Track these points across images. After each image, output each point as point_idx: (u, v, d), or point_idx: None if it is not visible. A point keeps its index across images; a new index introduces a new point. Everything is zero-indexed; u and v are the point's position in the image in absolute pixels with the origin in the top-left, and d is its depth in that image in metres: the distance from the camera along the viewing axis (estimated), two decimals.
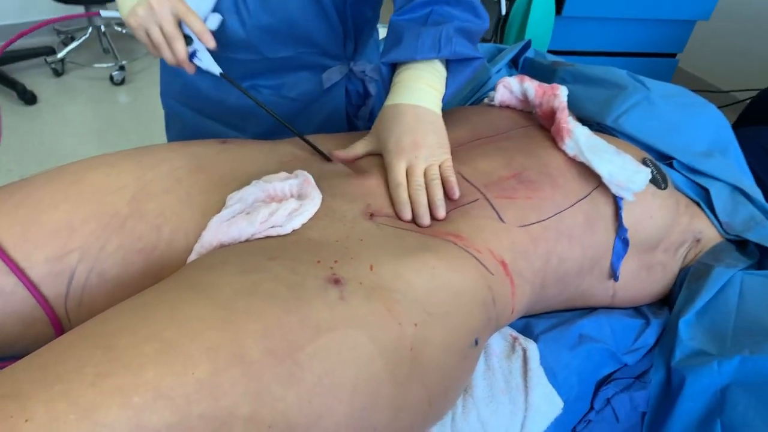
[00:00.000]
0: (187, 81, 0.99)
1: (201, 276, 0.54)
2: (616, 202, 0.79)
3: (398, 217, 0.69)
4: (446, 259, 0.63)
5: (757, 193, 0.95)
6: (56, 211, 0.63)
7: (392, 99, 0.76)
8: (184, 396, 0.45)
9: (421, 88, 0.75)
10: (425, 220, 0.68)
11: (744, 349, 0.76)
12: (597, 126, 1.04)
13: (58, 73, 2.72)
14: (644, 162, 0.84)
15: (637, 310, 0.90)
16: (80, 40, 2.81)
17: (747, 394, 0.74)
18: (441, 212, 0.69)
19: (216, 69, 0.84)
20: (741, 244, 0.93)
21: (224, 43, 0.87)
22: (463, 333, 0.63)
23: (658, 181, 0.83)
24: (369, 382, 0.54)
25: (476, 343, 0.65)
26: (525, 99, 0.88)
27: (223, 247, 0.61)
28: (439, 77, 0.76)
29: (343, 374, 0.52)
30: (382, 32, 0.95)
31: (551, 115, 0.82)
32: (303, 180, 0.64)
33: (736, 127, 1.99)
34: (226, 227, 0.61)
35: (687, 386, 0.78)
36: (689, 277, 0.88)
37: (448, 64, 0.78)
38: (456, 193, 0.72)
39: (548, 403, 0.73)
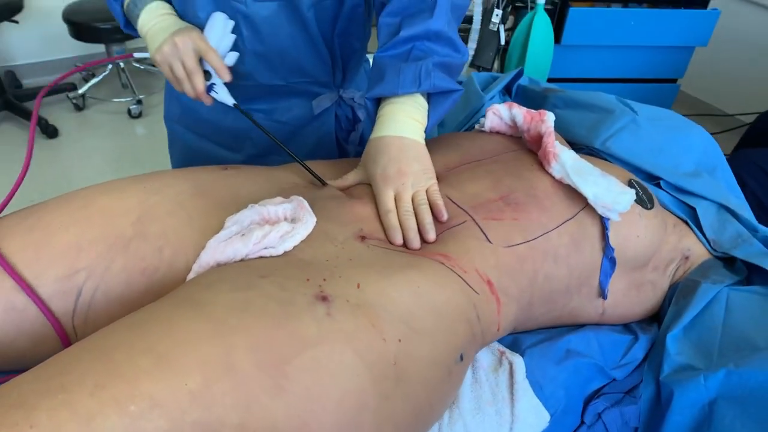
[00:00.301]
0: (187, 105, 1.06)
1: (196, 293, 0.58)
2: (603, 222, 0.82)
3: (390, 241, 0.73)
4: (431, 277, 0.66)
5: (744, 211, 0.97)
6: (66, 234, 0.68)
7: (377, 132, 0.80)
8: (177, 405, 0.48)
9: (404, 120, 0.78)
10: (415, 243, 0.72)
11: (729, 363, 0.77)
12: (586, 149, 1.08)
13: (79, 108, 2.83)
14: (630, 183, 0.87)
15: (626, 326, 0.92)
16: (101, 77, 2.94)
17: (733, 407, 0.75)
18: (431, 235, 0.73)
19: (230, 101, 0.91)
20: (729, 261, 0.95)
21: None
22: (448, 349, 0.65)
23: (644, 202, 0.86)
24: (355, 394, 0.56)
25: (461, 358, 0.68)
26: (514, 125, 0.92)
27: (219, 266, 0.65)
28: (421, 110, 0.80)
29: (330, 386, 0.55)
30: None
31: (539, 139, 0.86)
32: (297, 204, 0.68)
33: (738, 149, 2.01)
34: (222, 248, 0.65)
35: (675, 400, 0.79)
36: (678, 294, 0.90)
37: (429, 97, 0.81)
38: (444, 216, 0.75)
39: (535, 416, 0.75)
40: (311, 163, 0.86)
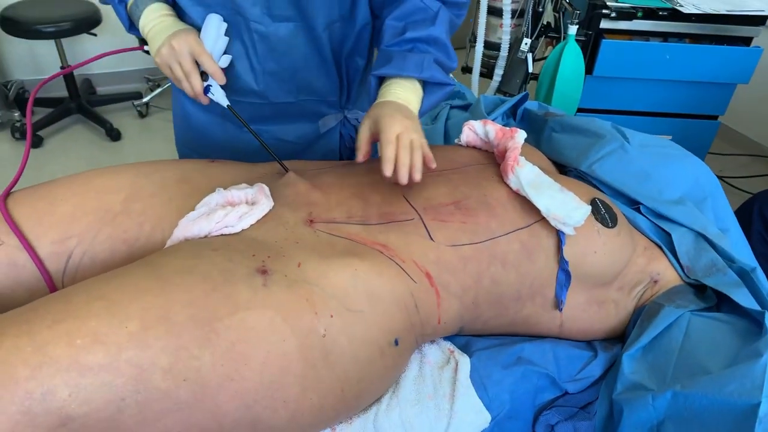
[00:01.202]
0: (198, 129, 1.13)
1: (156, 258, 0.68)
2: (559, 236, 0.85)
3: (382, 172, 0.77)
4: (370, 263, 0.72)
5: (721, 241, 0.97)
6: (66, 205, 0.79)
7: (382, 98, 0.87)
8: (116, 343, 0.57)
9: (405, 95, 0.87)
10: (403, 177, 0.77)
11: (677, 385, 0.78)
12: (575, 171, 1.11)
13: (142, 115, 3.08)
14: (592, 201, 0.90)
15: (588, 343, 0.93)
16: (164, 87, 3.18)
17: (680, 429, 0.76)
18: (418, 176, 0.78)
19: (225, 102, 0.98)
20: (701, 289, 0.95)
21: (236, 89, 1.01)
22: (381, 330, 0.71)
23: (605, 220, 0.89)
24: (279, 357, 0.63)
25: (396, 343, 0.73)
26: (488, 140, 0.97)
27: (186, 241, 0.74)
28: (417, 95, 0.88)
29: (255, 346, 0.62)
30: None
31: (506, 154, 0.91)
32: (258, 189, 0.76)
33: None
34: (190, 225, 0.74)
35: (624, 419, 0.81)
36: (642, 316, 0.91)
37: (425, 86, 0.90)
38: (433, 163, 0.81)
39: (474, 415, 0.79)
40: (306, 162, 0.95)
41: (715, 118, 2.23)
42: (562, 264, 0.85)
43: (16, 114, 2.82)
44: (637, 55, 2.03)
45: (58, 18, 2.57)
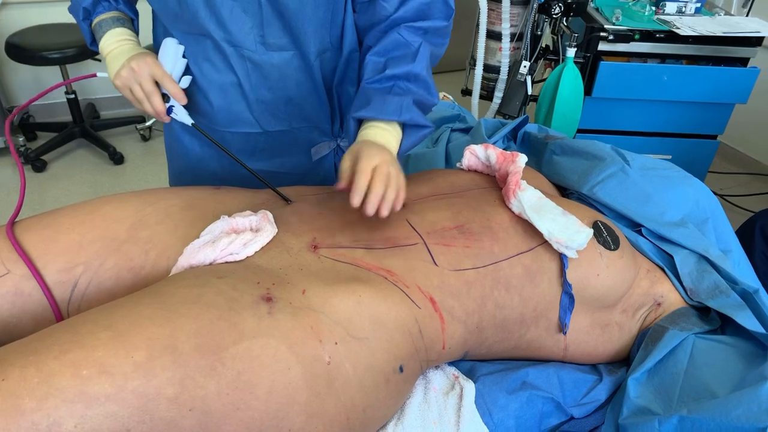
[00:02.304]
0: (195, 162, 1.13)
1: (161, 287, 0.68)
2: (562, 259, 0.86)
3: (350, 201, 0.75)
4: (374, 289, 0.73)
5: (724, 263, 0.97)
6: (72, 233, 0.79)
7: (362, 138, 0.86)
8: (122, 373, 0.57)
9: (385, 139, 0.86)
10: (370, 208, 0.75)
11: (683, 409, 0.78)
12: (576, 194, 1.12)
13: (145, 138, 3.10)
14: (594, 224, 0.90)
15: (593, 367, 0.93)
16: None
17: None
18: (385, 211, 0.77)
19: (188, 120, 0.99)
20: (704, 311, 0.95)
21: (230, 119, 1.02)
22: (386, 357, 0.71)
23: (607, 243, 0.89)
24: (285, 385, 0.63)
25: (401, 369, 0.73)
26: (489, 164, 0.98)
27: (191, 268, 0.74)
28: (396, 138, 0.88)
29: (261, 375, 0.62)
30: None
31: (507, 178, 0.91)
32: (261, 216, 0.77)
33: None
34: (195, 253, 0.74)
35: None
36: (647, 339, 0.90)
37: (404, 128, 0.90)
38: (399, 206, 0.79)
39: None
40: (297, 188, 0.96)
41: (715, 137, 2.25)
42: (566, 287, 0.85)
43: (20, 139, 2.85)
44: (635, 76, 2.05)
45: (63, 44, 2.61)
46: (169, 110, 0.98)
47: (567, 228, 0.84)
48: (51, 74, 3.02)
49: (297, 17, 0.92)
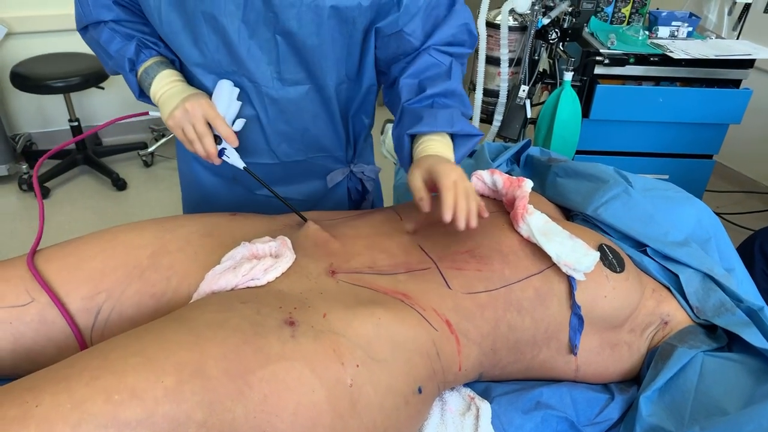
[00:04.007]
0: (208, 191, 1.15)
1: (187, 312, 0.70)
2: (570, 281, 0.88)
3: (442, 218, 0.79)
4: (392, 312, 0.75)
5: (728, 282, 0.99)
6: (94, 261, 0.81)
7: (425, 153, 0.89)
8: (153, 398, 0.59)
9: (443, 151, 0.90)
10: (462, 224, 0.79)
11: (695, 426, 0.79)
12: (581, 215, 1.14)
13: (147, 165, 3.13)
14: (600, 247, 0.93)
15: (605, 386, 0.94)
16: (168, 137, 3.24)
17: None
18: (474, 222, 0.81)
19: (241, 164, 1.00)
20: (711, 329, 0.97)
21: (248, 151, 1.04)
22: (405, 379, 0.73)
23: (613, 265, 0.91)
24: (309, 408, 0.65)
25: (420, 391, 0.74)
26: (496, 189, 1.01)
27: (214, 294, 0.76)
28: (450, 149, 0.92)
29: (286, 398, 0.64)
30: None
31: (514, 202, 0.94)
32: (281, 242, 0.79)
33: None
34: (217, 278, 0.76)
35: None
36: (656, 357, 0.92)
37: (454, 139, 0.94)
38: (486, 213, 0.83)
39: None
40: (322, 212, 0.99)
41: (710, 157, 2.29)
42: (575, 309, 0.87)
43: (24, 166, 2.87)
44: (631, 98, 2.10)
45: (67, 73, 2.65)
46: (221, 153, 0.97)
47: (574, 251, 0.87)
48: (55, 103, 3.06)
49: (314, 54, 0.93)
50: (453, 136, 0.94)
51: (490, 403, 0.84)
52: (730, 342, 0.94)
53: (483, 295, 0.82)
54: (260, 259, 0.77)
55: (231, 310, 0.69)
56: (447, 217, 0.79)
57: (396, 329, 0.74)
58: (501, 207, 1.00)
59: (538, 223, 0.90)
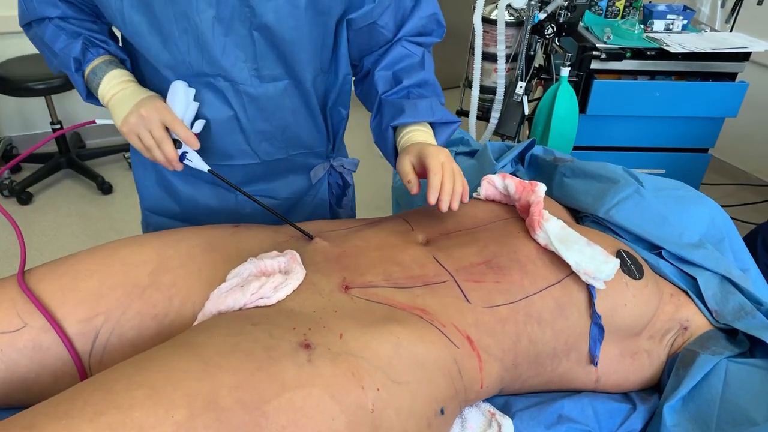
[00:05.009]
0: (189, 201, 1.08)
1: (193, 336, 0.65)
2: (589, 290, 0.85)
3: (427, 200, 0.82)
4: (411, 330, 0.71)
5: (747, 284, 0.97)
6: (90, 280, 0.76)
7: (412, 141, 0.92)
8: None
9: (428, 138, 0.93)
10: (444, 205, 0.83)
11: None
12: (592, 217, 1.11)
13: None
14: (618, 253, 0.90)
15: (625, 395, 0.91)
16: None
17: None
18: (456, 204, 0.84)
19: (204, 167, 0.94)
20: (732, 333, 0.95)
21: (227, 153, 1.00)
22: (427, 400, 0.69)
23: (632, 272, 0.88)
24: None
25: (442, 412, 0.71)
26: (507, 193, 0.97)
27: (220, 314, 0.71)
28: (432, 136, 0.95)
29: (306, 427, 0.59)
30: None
31: (529, 208, 0.90)
32: (290, 257, 0.75)
33: None
34: (223, 298, 0.72)
35: None
36: (677, 364, 0.89)
37: (434, 126, 0.97)
38: (466, 198, 0.86)
39: None
40: (312, 223, 0.96)
41: (706, 150, 2.28)
42: (595, 318, 0.84)
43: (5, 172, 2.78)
44: (628, 93, 2.07)
45: (48, 75, 2.57)
46: (182, 157, 0.93)
47: (594, 258, 0.83)
48: (36, 105, 2.96)
49: (292, 48, 0.90)
50: (433, 125, 0.97)
51: (512, 418, 0.81)
52: (752, 346, 0.92)
53: (503, 308, 0.78)
54: (269, 276, 0.73)
55: (241, 334, 0.64)
56: (432, 199, 0.82)
57: (416, 348, 0.70)
58: (514, 212, 0.96)
59: (555, 229, 0.86)
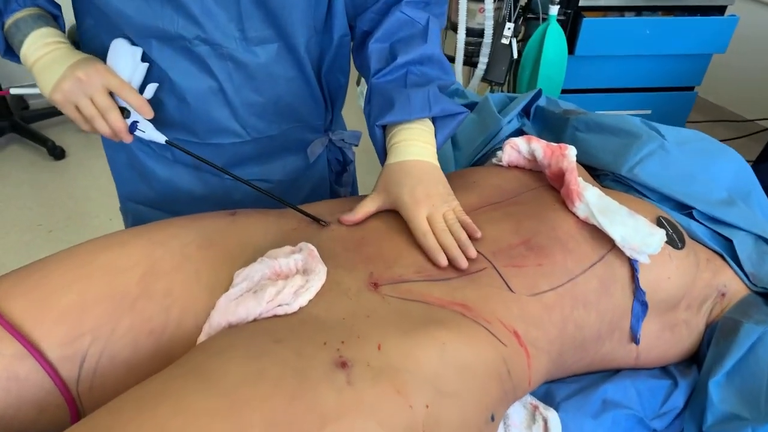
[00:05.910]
0: (168, 186, 0.96)
1: (206, 362, 0.54)
2: (631, 264, 0.77)
3: (434, 263, 0.70)
4: (456, 332, 0.62)
5: None
6: (69, 293, 0.63)
7: (396, 157, 0.79)
8: None
9: (421, 145, 0.79)
10: (462, 261, 0.70)
11: None
12: (612, 176, 1.03)
13: None
14: (658, 221, 0.82)
15: (664, 370, 0.86)
16: None
17: None
18: (472, 251, 0.71)
19: (161, 138, 0.83)
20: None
21: (209, 129, 0.87)
22: (478, 410, 0.61)
23: (674, 242, 0.81)
24: None
25: (492, 419, 0.63)
26: (533, 158, 0.88)
27: (231, 328, 0.61)
28: (430, 133, 0.81)
29: None
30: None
31: (561, 175, 0.81)
32: (307, 253, 0.64)
33: (761, 161, 1.95)
34: (233, 307, 0.61)
35: None
36: (717, 334, 0.84)
37: (435, 119, 0.83)
38: (478, 233, 0.74)
39: None
40: (307, 205, 0.82)
41: (692, 89, 2.22)
42: (639, 295, 0.77)
43: None
44: (617, 31, 1.98)
45: None
46: (132, 127, 0.80)
47: (638, 231, 0.75)
48: None
49: (282, 5, 0.78)
50: (433, 119, 0.83)
51: (556, 410, 0.75)
52: None
53: (549, 294, 0.70)
54: (286, 278, 0.62)
55: (265, 355, 0.54)
56: (441, 262, 0.70)
57: (463, 352, 0.61)
58: (542, 180, 0.87)
59: (594, 199, 0.77)
